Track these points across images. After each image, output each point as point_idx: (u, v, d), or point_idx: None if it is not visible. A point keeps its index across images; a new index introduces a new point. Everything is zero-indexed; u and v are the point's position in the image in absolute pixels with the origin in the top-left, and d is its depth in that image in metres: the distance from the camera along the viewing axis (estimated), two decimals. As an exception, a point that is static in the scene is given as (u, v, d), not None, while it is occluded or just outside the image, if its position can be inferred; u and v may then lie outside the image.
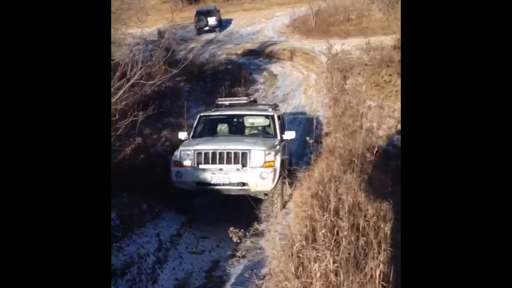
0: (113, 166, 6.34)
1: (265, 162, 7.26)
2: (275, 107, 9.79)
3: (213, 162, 7.29)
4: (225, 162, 7.28)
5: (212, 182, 7.27)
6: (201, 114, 9.08)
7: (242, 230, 5.35)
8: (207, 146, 7.51)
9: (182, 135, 8.45)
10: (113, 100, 6.84)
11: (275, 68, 18.61)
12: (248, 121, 9.21)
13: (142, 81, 7.53)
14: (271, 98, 15.32)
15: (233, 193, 7.38)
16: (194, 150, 7.39)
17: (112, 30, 11.05)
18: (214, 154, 7.30)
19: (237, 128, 9.02)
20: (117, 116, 7.03)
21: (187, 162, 7.36)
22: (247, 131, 8.97)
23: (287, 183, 7.78)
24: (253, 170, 7.23)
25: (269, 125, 8.86)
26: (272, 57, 19.85)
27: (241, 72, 16.82)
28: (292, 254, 3.53)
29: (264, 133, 8.72)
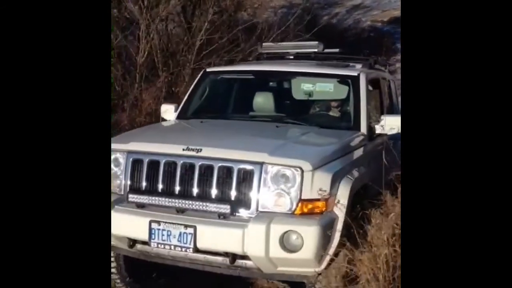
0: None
1: (300, 200, 3.06)
2: (373, 61, 4.97)
3: (169, 190, 3.29)
4: (194, 192, 3.23)
5: (152, 243, 3.22)
6: (208, 70, 4.86)
7: None
8: (162, 144, 3.48)
9: (167, 110, 4.46)
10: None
11: (422, 38, 17.46)
12: (302, 88, 4.70)
13: (275, 45, 7.56)
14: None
15: (215, 271, 3.29)
16: (128, 152, 3.43)
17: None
18: (170, 166, 3.29)
19: (285, 101, 4.79)
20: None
21: (114, 182, 3.44)
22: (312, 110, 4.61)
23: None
24: (259, 222, 3.01)
25: (346, 100, 4.37)
26: (420, 26, 18.63)
27: (383, 41, 16.12)
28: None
29: (341, 114, 4.40)
